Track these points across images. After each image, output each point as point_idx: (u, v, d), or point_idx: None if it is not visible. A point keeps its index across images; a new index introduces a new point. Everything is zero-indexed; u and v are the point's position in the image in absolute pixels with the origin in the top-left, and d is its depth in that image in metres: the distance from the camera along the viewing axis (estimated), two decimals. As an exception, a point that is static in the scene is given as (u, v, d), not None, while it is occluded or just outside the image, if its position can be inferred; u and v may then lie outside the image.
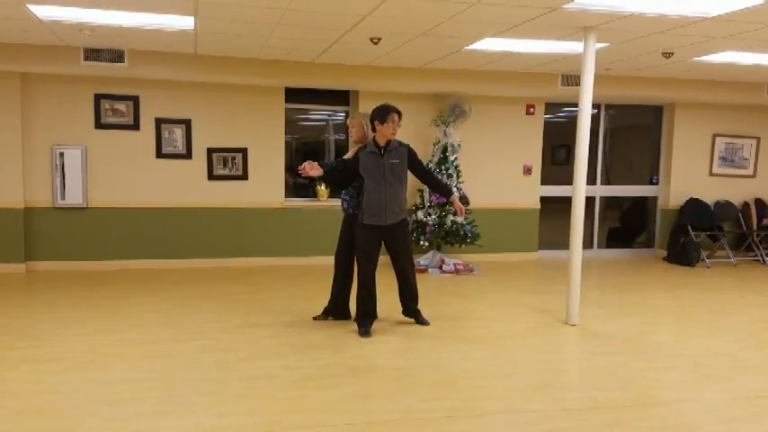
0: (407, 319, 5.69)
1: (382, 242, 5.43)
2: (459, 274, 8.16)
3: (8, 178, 7.62)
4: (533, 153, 9.28)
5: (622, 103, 9.66)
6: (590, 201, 9.42)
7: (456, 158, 8.45)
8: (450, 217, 8.17)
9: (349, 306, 5.68)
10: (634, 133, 10.48)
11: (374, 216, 5.28)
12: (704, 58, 6.99)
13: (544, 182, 9.36)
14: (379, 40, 6.33)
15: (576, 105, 5.81)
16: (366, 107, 7.17)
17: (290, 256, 8.58)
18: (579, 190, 5.75)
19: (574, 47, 6.43)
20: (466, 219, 8.22)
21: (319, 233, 8.44)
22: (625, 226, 10.50)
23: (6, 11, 5.57)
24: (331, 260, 5.71)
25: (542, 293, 7.11)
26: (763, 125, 9.99)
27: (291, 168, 8.59)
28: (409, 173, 5.45)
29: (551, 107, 9.43)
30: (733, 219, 9.83)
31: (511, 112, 9.12)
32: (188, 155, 8.21)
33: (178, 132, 8.17)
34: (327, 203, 8.54)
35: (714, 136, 9.85)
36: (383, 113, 5.24)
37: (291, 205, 8.62)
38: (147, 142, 8.07)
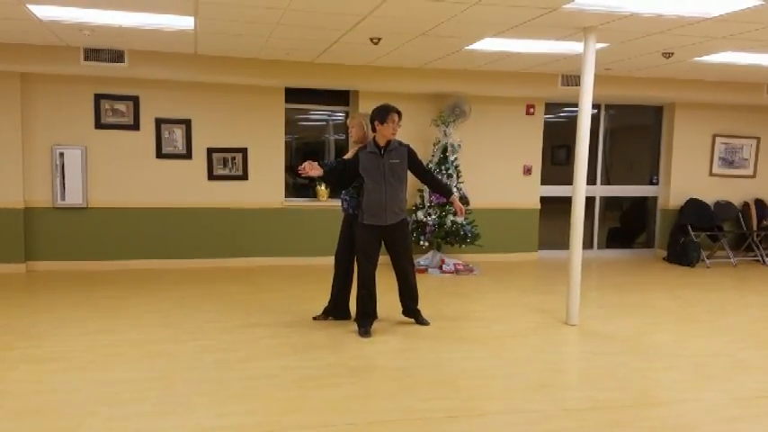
0: (407, 319, 5.69)
1: (382, 242, 5.43)
2: (459, 275, 8.16)
3: (8, 178, 7.62)
4: (533, 153, 9.29)
5: (622, 103, 9.66)
6: (590, 201, 9.42)
7: (456, 158, 8.45)
8: (451, 217, 8.17)
9: (349, 306, 5.68)
10: (634, 133, 10.48)
11: (374, 216, 5.28)
12: (704, 58, 6.99)
13: (544, 182, 9.37)
14: (379, 40, 6.33)
15: (576, 105, 5.81)
16: (366, 107, 7.17)
17: (290, 256, 8.58)
18: (579, 190, 5.75)
19: (574, 47, 6.43)
20: (466, 219, 8.22)
21: (319, 233, 8.44)
22: (625, 226, 10.50)
23: (6, 11, 5.57)
24: (331, 260, 5.71)
25: (542, 293, 7.11)
26: (762, 125, 9.99)
27: (291, 168, 8.59)
28: (409, 173, 5.45)
29: (551, 107, 9.43)
30: (733, 219, 9.83)
31: (511, 112, 9.12)
32: (188, 155, 8.21)
33: (178, 132, 8.17)
34: (327, 203, 8.54)
35: (714, 136, 9.85)
36: (383, 113, 5.24)
37: (291, 205, 8.62)
38: (147, 142, 8.07)
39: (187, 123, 8.17)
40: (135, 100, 7.99)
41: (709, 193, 9.77)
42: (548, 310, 6.33)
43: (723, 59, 7.04)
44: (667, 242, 9.69)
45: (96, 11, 5.54)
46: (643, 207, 10.26)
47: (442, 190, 5.80)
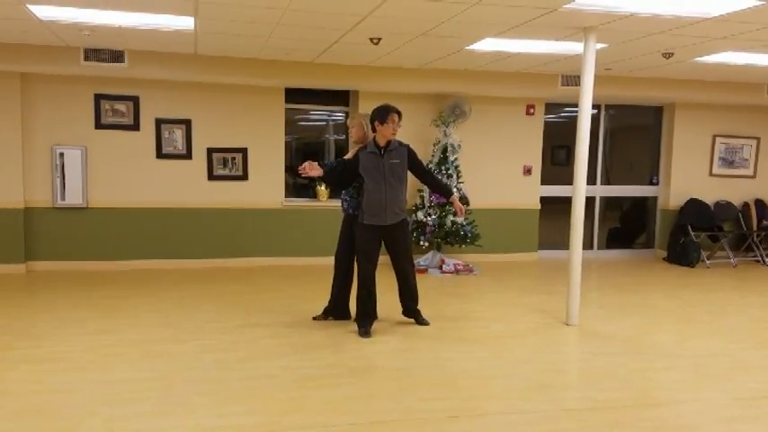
0: (407, 319, 5.69)
1: (382, 242, 5.43)
2: (459, 275, 8.16)
3: (8, 178, 7.62)
4: (533, 153, 9.29)
5: (622, 103, 9.66)
6: (590, 201, 9.42)
7: (456, 159, 8.45)
8: (451, 217, 8.17)
9: (349, 306, 5.68)
10: (634, 134, 10.48)
11: (374, 216, 5.28)
12: (704, 58, 6.99)
13: (544, 182, 9.37)
14: (380, 40, 6.33)
15: (576, 106, 5.81)
16: (366, 107, 7.17)
17: (289, 256, 8.58)
18: (579, 190, 5.75)
19: (574, 47, 6.43)
20: (466, 219, 8.22)
21: (319, 233, 8.44)
22: (625, 226, 10.50)
23: (6, 11, 5.57)
24: (331, 260, 5.71)
25: (542, 294, 7.11)
26: (762, 126, 9.99)
27: (291, 168, 8.59)
28: (409, 173, 5.45)
29: (551, 107, 9.43)
30: (733, 219, 9.83)
31: (511, 112, 9.12)
32: (188, 155, 8.21)
33: (178, 132, 8.17)
34: (327, 204, 8.54)
35: (714, 136, 9.85)
36: (383, 114, 5.25)
37: (291, 205, 8.62)
38: (147, 142, 8.07)
39: (187, 123, 8.17)
40: (135, 100, 7.99)
41: (710, 194, 9.77)
42: (548, 310, 6.33)
43: (723, 60, 7.04)
44: (667, 242, 9.68)
45: (96, 11, 5.54)
46: (643, 207, 10.26)
47: (442, 190, 5.80)
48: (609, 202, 10.14)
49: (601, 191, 9.81)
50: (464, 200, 8.20)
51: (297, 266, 8.43)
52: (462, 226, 8.25)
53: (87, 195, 7.92)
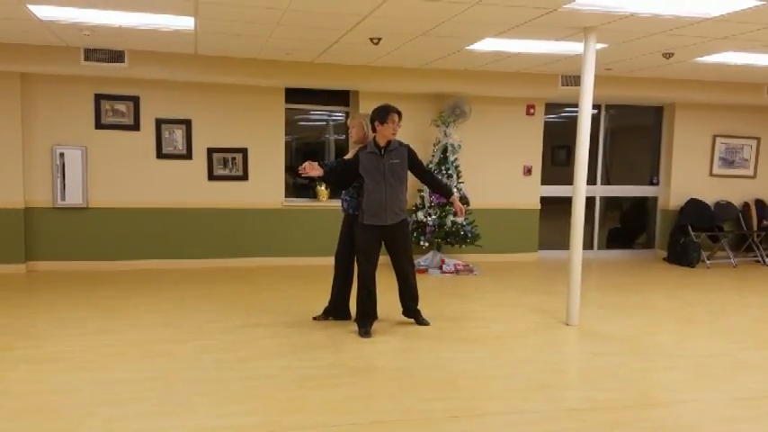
0: (407, 319, 5.69)
1: (382, 242, 5.43)
2: (460, 275, 8.16)
3: (8, 178, 7.62)
4: (533, 153, 9.29)
5: (623, 103, 9.66)
6: (590, 201, 9.42)
7: (456, 159, 8.45)
8: (451, 217, 8.17)
9: (349, 306, 5.68)
10: (634, 134, 10.48)
11: (374, 216, 5.28)
12: (704, 58, 6.99)
13: (544, 182, 9.37)
14: (380, 40, 6.33)
15: (576, 106, 5.81)
16: (366, 107, 7.18)
17: (290, 256, 8.58)
18: (579, 190, 5.75)
19: (574, 47, 6.43)
20: (466, 219, 8.22)
21: (319, 233, 8.44)
22: (625, 226, 10.50)
23: (6, 11, 5.57)
24: (331, 260, 5.71)
25: (542, 294, 7.10)
26: (763, 126, 9.99)
27: (291, 169, 8.59)
28: (409, 173, 5.45)
29: (551, 107, 9.43)
30: (733, 219, 9.83)
31: (511, 112, 9.12)
32: (188, 155, 8.21)
33: (178, 133, 8.17)
34: (327, 204, 8.54)
35: (714, 136, 9.85)
36: (383, 114, 5.24)
37: (291, 206, 8.63)
38: (147, 142, 8.07)
39: (187, 123, 8.17)
40: (135, 100, 7.99)
41: (710, 194, 9.77)
42: (548, 310, 6.33)
43: (723, 60, 7.04)
44: (667, 242, 9.68)
45: (96, 11, 5.54)
46: (643, 207, 10.26)
47: (442, 190, 5.80)
48: (609, 203, 10.14)
49: (601, 191, 9.81)
50: (464, 200, 8.20)
51: (297, 266, 8.43)
52: (462, 226, 8.25)
53: (87, 195, 7.92)
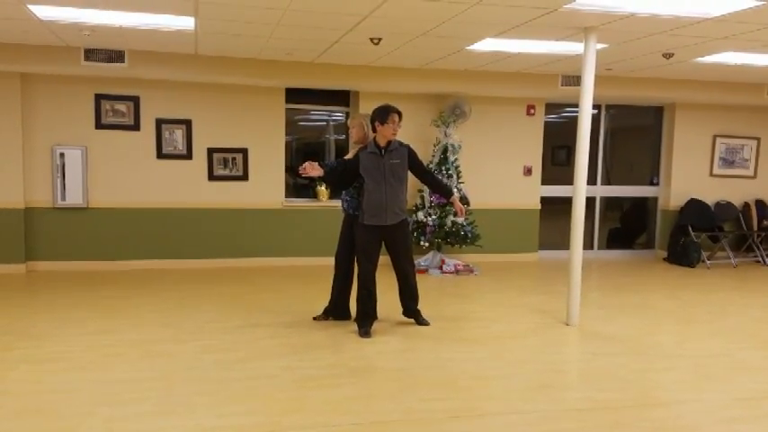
0: (407, 319, 5.68)
1: (382, 242, 5.43)
2: (460, 275, 8.16)
3: (8, 178, 7.62)
4: (534, 153, 9.29)
5: (623, 103, 9.66)
6: (590, 201, 9.41)
7: (456, 159, 8.45)
8: (451, 217, 8.17)
9: (349, 306, 5.68)
10: (634, 134, 10.48)
11: (374, 216, 5.27)
12: (704, 58, 6.99)
13: (544, 182, 9.37)
14: (380, 40, 6.33)
15: (576, 106, 5.81)
16: (366, 108, 7.17)
17: (290, 256, 8.58)
18: (580, 190, 5.75)
19: (574, 47, 6.42)
20: (466, 219, 8.22)
21: (319, 234, 8.43)
22: (625, 227, 10.50)
23: (6, 11, 5.57)
24: (331, 261, 5.71)
25: (543, 294, 7.10)
26: (763, 126, 9.99)
27: (292, 169, 8.60)
28: (409, 173, 5.45)
29: (552, 108, 9.43)
30: (733, 219, 9.83)
31: (511, 112, 9.12)
32: (188, 155, 8.21)
33: (178, 133, 8.17)
34: (327, 204, 8.54)
35: (714, 137, 9.85)
36: (383, 114, 5.24)
37: (292, 206, 8.63)
38: (147, 143, 8.07)
39: (187, 124, 8.17)
40: (135, 100, 7.99)
41: (710, 194, 9.77)
42: (548, 310, 6.33)
43: (723, 60, 7.04)
44: (668, 243, 9.68)
45: (96, 11, 5.54)
46: (643, 207, 10.26)
47: (442, 190, 5.80)
48: (609, 203, 10.13)
49: (601, 191, 9.81)
50: (464, 200, 8.19)
51: (297, 267, 8.43)
52: (462, 226, 8.25)
53: (87, 195, 7.92)
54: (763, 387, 4.37)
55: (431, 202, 8.27)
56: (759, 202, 9.90)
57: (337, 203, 5.88)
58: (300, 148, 9.21)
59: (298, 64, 7.82)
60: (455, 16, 5.34)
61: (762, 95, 9.05)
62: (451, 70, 8.22)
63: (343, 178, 5.42)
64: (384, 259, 5.45)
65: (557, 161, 9.64)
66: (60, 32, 6.43)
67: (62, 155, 7.78)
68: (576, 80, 8.23)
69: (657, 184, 10.03)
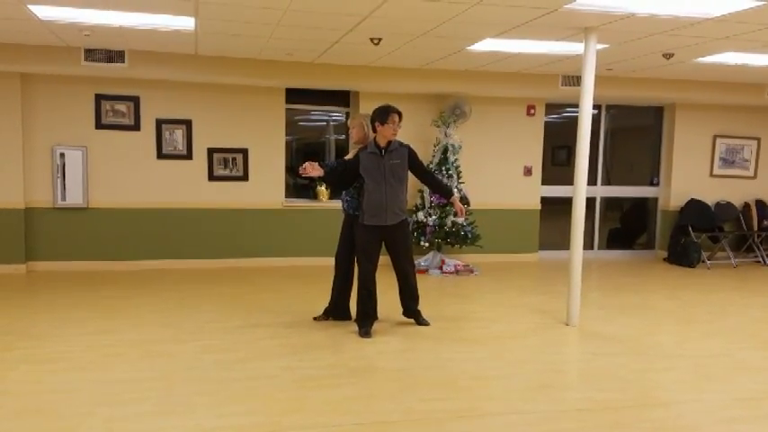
0: (408, 319, 5.68)
1: (383, 243, 5.43)
2: (460, 275, 8.16)
3: (8, 178, 7.62)
4: (534, 154, 9.29)
5: (623, 103, 9.66)
6: (590, 202, 9.40)
7: (456, 159, 8.45)
8: (451, 218, 8.16)
9: (349, 307, 5.68)
10: (634, 134, 10.48)
11: (374, 216, 5.27)
12: (705, 59, 6.99)
13: (545, 182, 9.37)
14: (380, 40, 6.33)
15: (576, 106, 5.81)
16: (366, 108, 7.17)
17: (290, 256, 8.57)
18: (580, 191, 5.75)
19: (574, 47, 6.42)
20: (466, 219, 8.22)
21: (319, 234, 8.43)
22: (626, 227, 10.50)
23: (6, 11, 5.57)
24: (331, 261, 5.71)
25: (543, 294, 7.10)
26: (763, 126, 9.99)
27: (292, 169, 8.60)
28: (410, 173, 5.45)
29: (552, 108, 9.43)
30: (733, 220, 9.83)
31: (511, 112, 9.12)
32: (188, 155, 8.21)
33: (179, 133, 8.17)
34: (328, 204, 8.54)
35: (715, 137, 9.85)
36: (383, 114, 5.24)
37: (292, 206, 8.63)
38: (147, 143, 8.08)
39: (188, 124, 8.17)
40: (135, 100, 7.99)
41: (710, 194, 9.77)
42: (548, 310, 6.33)
43: (724, 60, 7.04)
44: (668, 243, 9.68)
45: (96, 11, 5.54)
46: (643, 208, 10.26)
47: (442, 191, 5.81)
48: (609, 203, 10.13)
49: (601, 191, 9.81)
50: (464, 200, 8.19)
51: (297, 267, 8.43)
52: (463, 226, 8.25)
53: (88, 195, 7.92)
54: (763, 387, 4.36)
55: (431, 202, 8.27)
56: (759, 203, 9.90)
57: (337, 204, 5.87)
58: (300, 149, 9.21)
59: (298, 64, 7.82)
60: (455, 16, 5.34)
61: (762, 95, 9.06)
62: (451, 70, 8.22)
63: (344, 178, 5.42)
64: (384, 259, 5.45)
65: (557, 161, 9.64)
66: (60, 32, 6.43)
67: (62, 155, 7.78)
68: (576, 80, 8.24)
69: (657, 184, 10.03)
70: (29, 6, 5.36)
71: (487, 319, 6.06)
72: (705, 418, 3.83)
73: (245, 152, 8.37)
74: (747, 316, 6.40)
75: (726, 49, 6.50)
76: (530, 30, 5.77)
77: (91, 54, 7.23)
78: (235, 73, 7.76)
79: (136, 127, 8.02)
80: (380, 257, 5.43)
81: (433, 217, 8.26)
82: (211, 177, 8.30)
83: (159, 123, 8.08)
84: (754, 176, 10.04)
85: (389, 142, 5.30)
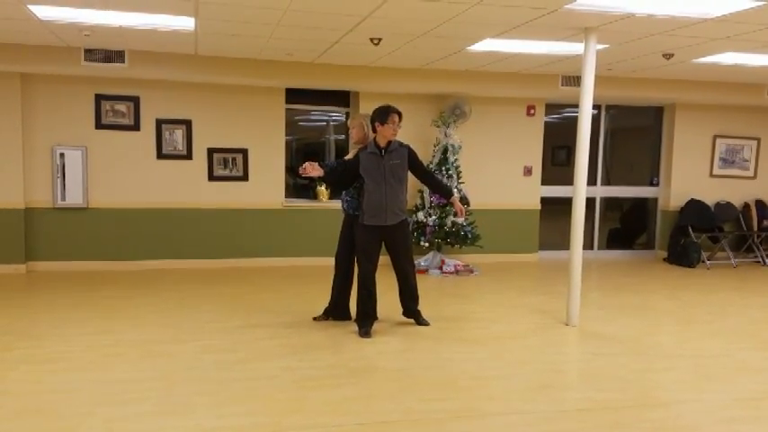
0: (408, 319, 5.68)
1: (382, 243, 5.43)
2: (460, 275, 8.16)
3: (8, 178, 7.62)
4: (534, 154, 9.29)
5: (623, 103, 9.66)
6: (590, 202, 9.40)
7: (456, 159, 8.45)
8: (451, 218, 8.16)
9: (349, 307, 5.68)
10: (634, 134, 10.48)
11: (374, 217, 5.28)
12: (704, 59, 6.99)
13: (544, 182, 9.37)
14: (380, 40, 6.33)
15: (576, 106, 5.81)
16: (366, 108, 7.17)
17: (290, 256, 8.57)
18: (580, 191, 5.75)
19: (574, 48, 6.42)
20: (466, 220, 8.22)
21: (319, 234, 8.43)
22: (625, 227, 10.50)
23: (6, 11, 5.57)
24: (331, 261, 5.71)
25: (542, 294, 7.10)
26: (763, 126, 9.99)
27: (292, 169, 8.60)
28: (410, 173, 5.45)
29: (552, 108, 9.43)
30: (733, 220, 9.83)
31: (511, 112, 9.12)
32: (188, 155, 8.21)
33: (178, 133, 8.17)
34: (328, 204, 8.54)
35: (714, 137, 9.85)
36: (383, 114, 5.25)
37: (292, 206, 8.63)
38: (147, 143, 8.07)
39: (187, 124, 8.17)
40: (135, 100, 7.99)
41: (710, 194, 9.77)
42: (548, 310, 6.33)
43: (723, 60, 7.04)
44: (668, 243, 9.68)
45: (96, 11, 5.54)
46: (643, 208, 10.26)
47: (442, 191, 5.81)
48: (609, 203, 10.13)
49: (601, 191, 9.81)
50: (464, 200, 8.19)
51: (297, 267, 8.43)
52: (462, 226, 8.25)
53: (88, 196, 7.92)
54: (762, 387, 4.37)
55: (431, 202, 8.27)
56: (759, 203, 9.90)
57: (337, 204, 5.88)
58: (300, 149, 9.21)
59: (298, 64, 7.82)
60: (455, 16, 5.34)
61: (762, 95, 9.06)
62: (451, 70, 8.22)
63: (343, 178, 5.42)
64: (384, 259, 5.45)
65: (557, 161, 9.64)
66: (60, 32, 6.43)
67: (62, 155, 7.78)
68: (576, 80, 8.24)
69: (657, 184, 10.03)
70: (29, 6, 5.36)
71: (487, 319, 6.06)
72: (705, 418, 3.83)
73: (244, 152, 8.37)
74: (747, 316, 6.40)
75: (725, 50, 6.50)
76: (530, 30, 5.77)
77: (91, 54, 7.23)
78: (235, 73, 7.76)
79: (136, 127, 8.02)
80: (380, 257, 5.43)
81: (433, 217, 8.26)
82: (211, 177, 8.30)
83: (159, 123, 8.08)
84: (754, 176, 10.05)
85: (389, 142, 5.30)
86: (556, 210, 9.00)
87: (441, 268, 8.22)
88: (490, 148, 9.08)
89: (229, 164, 8.35)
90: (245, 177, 8.40)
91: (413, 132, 7.94)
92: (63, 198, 7.83)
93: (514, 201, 9.25)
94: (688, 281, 8.21)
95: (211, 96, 8.20)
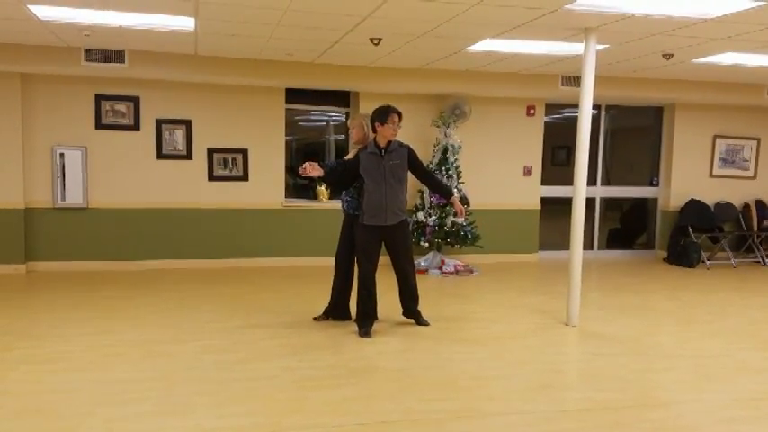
0: (407, 319, 5.68)
1: (382, 243, 5.43)
2: (460, 275, 8.16)
3: (8, 178, 7.62)
4: (534, 154, 9.29)
5: (623, 104, 9.66)
6: (590, 202, 9.40)
7: (456, 159, 8.45)
8: (451, 218, 8.16)
9: (349, 307, 5.68)
10: (634, 134, 10.48)
11: (374, 217, 5.28)
12: (704, 59, 6.99)
13: (544, 183, 9.37)
14: (380, 40, 6.33)
15: (576, 106, 5.81)
16: (366, 108, 7.17)
17: (290, 256, 8.57)
18: (580, 191, 5.75)
19: (574, 48, 6.42)
20: (466, 220, 8.22)
21: (319, 234, 8.43)
22: (625, 227, 10.50)
23: (6, 11, 5.57)
24: (331, 261, 5.71)
25: (542, 294, 7.10)
26: (763, 126, 9.99)
27: (292, 169, 8.60)
28: (409, 173, 5.45)
29: (552, 108, 9.43)
30: (733, 220, 9.83)
31: (511, 113, 9.12)
32: (188, 155, 8.21)
33: (178, 133, 8.17)
34: (327, 204, 8.54)
35: (714, 137, 9.85)
36: (383, 114, 5.25)
37: (292, 206, 8.63)
38: (147, 143, 8.07)
39: (187, 124, 8.17)
40: (135, 100, 7.99)
41: (710, 194, 9.77)
42: (548, 311, 6.33)
43: (723, 61, 7.04)
44: (668, 243, 9.68)
45: (97, 11, 5.54)
46: (643, 208, 10.26)
47: (442, 191, 5.81)
48: (609, 203, 10.14)
49: (601, 192, 9.81)
50: (464, 200, 8.19)
51: (297, 267, 8.43)
52: (462, 227, 8.25)
53: (87, 196, 7.92)
54: (763, 388, 4.37)
55: (431, 202, 8.27)
56: (759, 203, 9.90)
57: (337, 204, 5.88)
58: (300, 149, 9.21)
59: (298, 64, 7.82)
60: (455, 17, 5.34)
61: (762, 95, 9.06)
62: (451, 70, 8.22)
63: (343, 179, 5.43)
64: (384, 259, 5.45)
65: (557, 161, 9.64)
66: (60, 32, 6.43)
67: (62, 155, 7.78)
68: (576, 80, 8.24)
69: (657, 184, 10.03)
70: (28, 6, 5.36)
71: (487, 319, 6.06)
72: (705, 418, 3.83)
73: (244, 152, 8.37)
74: (747, 316, 6.40)
75: (725, 50, 6.50)
76: (530, 30, 5.77)
77: (90, 54, 7.23)
78: (235, 73, 7.76)
79: (136, 127, 8.02)
80: (380, 257, 5.43)
81: (433, 217, 8.26)
82: (211, 177, 8.30)
83: (159, 123, 8.08)
84: (754, 177, 10.05)
85: (389, 142, 5.30)
86: (556, 210, 9.00)
87: (441, 268, 8.22)
88: (490, 148, 9.08)
89: (229, 164, 8.35)
90: (244, 177, 8.40)
91: (413, 132, 7.94)
92: (63, 198, 7.83)
93: (514, 201, 9.25)
94: (688, 281, 8.21)
95: (211, 96, 8.20)
